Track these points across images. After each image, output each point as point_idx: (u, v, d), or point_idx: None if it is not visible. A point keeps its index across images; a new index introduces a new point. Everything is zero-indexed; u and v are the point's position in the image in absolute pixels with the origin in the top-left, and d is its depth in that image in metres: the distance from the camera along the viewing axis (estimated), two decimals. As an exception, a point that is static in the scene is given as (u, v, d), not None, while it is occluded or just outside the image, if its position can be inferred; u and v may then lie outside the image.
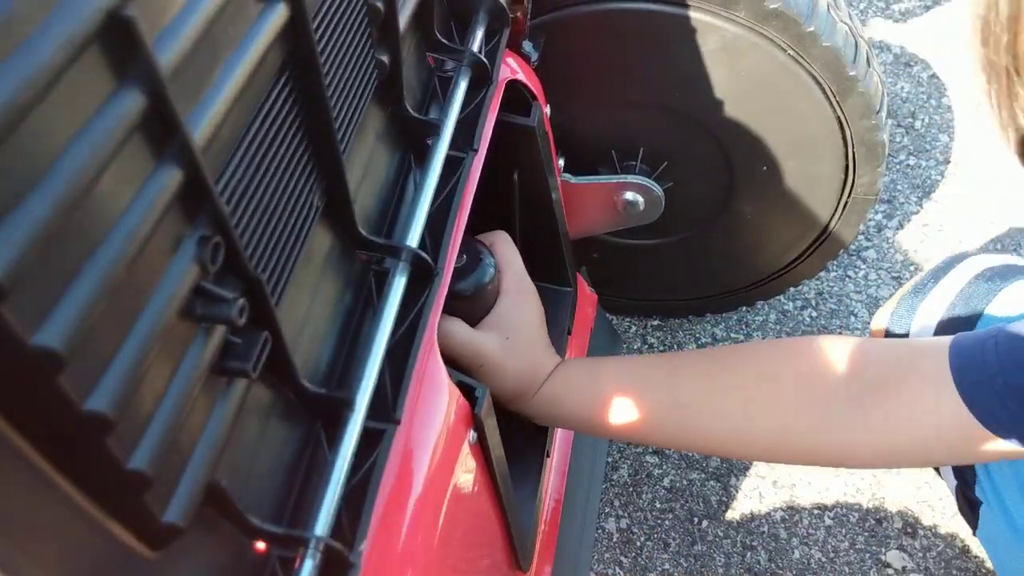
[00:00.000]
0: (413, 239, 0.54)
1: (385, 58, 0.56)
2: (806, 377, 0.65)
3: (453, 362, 0.68)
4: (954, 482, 0.91)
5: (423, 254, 0.53)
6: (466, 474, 0.56)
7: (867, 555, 1.15)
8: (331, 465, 0.43)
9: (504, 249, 0.75)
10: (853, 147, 0.98)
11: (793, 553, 1.15)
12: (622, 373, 0.72)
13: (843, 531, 1.17)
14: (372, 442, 0.45)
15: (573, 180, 1.00)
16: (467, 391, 0.56)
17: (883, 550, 1.15)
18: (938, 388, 0.60)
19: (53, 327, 0.27)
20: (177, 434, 0.33)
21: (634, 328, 1.36)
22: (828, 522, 1.18)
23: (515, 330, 0.72)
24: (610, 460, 1.23)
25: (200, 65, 0.33)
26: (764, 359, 0.67)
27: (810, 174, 1.02)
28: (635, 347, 1.34)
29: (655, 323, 1.36)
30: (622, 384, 0.71)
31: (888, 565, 1.14)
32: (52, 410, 0.28)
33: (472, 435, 0.56)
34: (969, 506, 0.89)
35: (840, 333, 1.35)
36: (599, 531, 1.17)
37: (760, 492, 1.20)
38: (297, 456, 0.44)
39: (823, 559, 1.15)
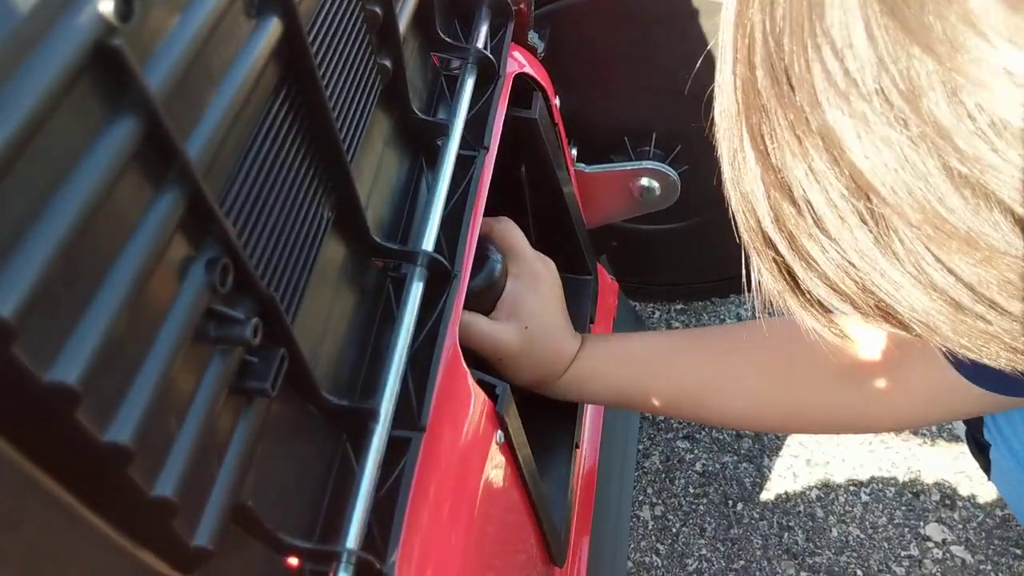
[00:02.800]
0: (428, 243, 0.53)
1: (388, 62, 0.55)
2: (812, 359, 0.69)
3: (472, 354, 0.67)
4: (964, 427, 0.90)
5: (439, 258, 0.52)
6: (496, 475, 0.55)
7: (906, 529, 1.14)
8: (359, 476, 0.43)
9: (507, 233, 0.73)
10: (869, 118, 0.96)
11: (831, 532, 1.14)
12: (647, 354, 0.75)
13: (880, 507, 1.16)
14: (399, 451, 0.45)
15: (587, 170, 0.99)
16: (488, 389, 0.55)
17: (922, 523, 1.14)
18: (926, 357, 0.64)
19: (66, 363, 0.27)
20: (200, 458, 0.33)
21: (658, 313, 1.35)
22: (865, 498, 1.17)
23: (533, 317, 0.70)
24: (641, 447, 1.23)
25: (195, 87, 0.33)
26: (777, 340, 0.71)
27: (827, 148, 1.01)
28: (660, 332, 1.33)
29: (679, 307, 1.35)
30: (648, 367, 0.74)
31: (928, 538, 1.13)
32: (73, 445, 0.28)
33: (499, 435, 0.56)
34: (979, 449, 0.88)
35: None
36: (634, 519, 1.16)
37: (794, 471, 1.20)
38: (324, 469, 0.44)
39: (862, 536, 1.14)
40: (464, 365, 0.52)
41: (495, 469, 0.55)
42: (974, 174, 0.26)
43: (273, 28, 0.39)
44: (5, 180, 0.24)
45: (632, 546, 1.14)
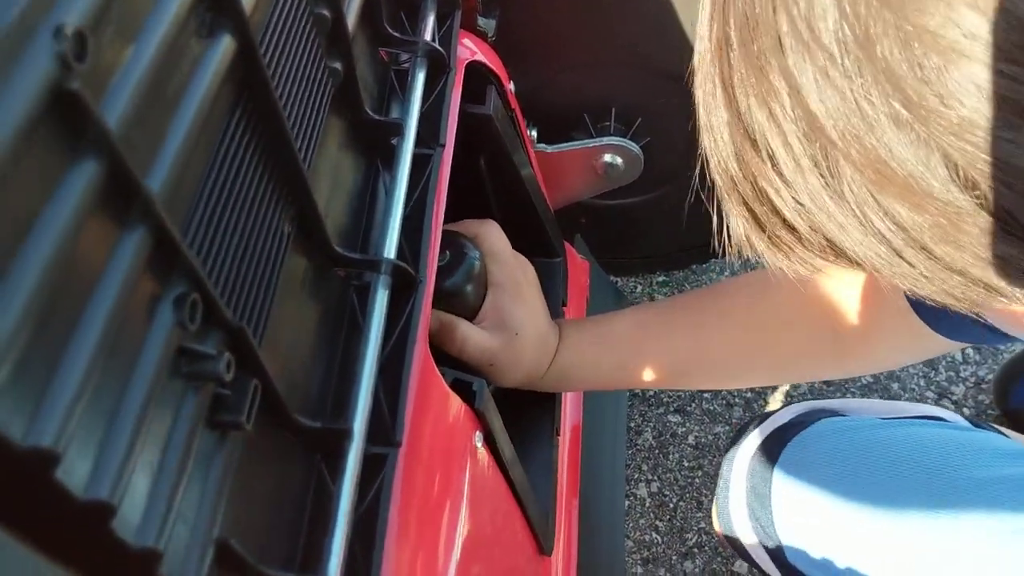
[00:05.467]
0: (390, 249, 0.52)
1: (338, 65, 0.54)
2: (787, 312, 0.72)
3: (457, 361, 0.67)
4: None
5: (403, 264, 0.52)
6: (479, 475, 0.55)
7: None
8: (336, 498, 0.42)
9: (490, 237, 0.73)
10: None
11: (820, 491, 1.15)
12: (623, 337, 0.76)
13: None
14: (375, 468, 0.44)
15: (549, 149, 0.98)
16: (464, 387, 0.55)
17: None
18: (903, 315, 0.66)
19: (42, 424, 0.26)
20: (180, 499, 0.33)
21: (640, 287, 1.35)
22: (849, 453, 1.18)
23: (522, 325, 0.72)
24: (632, 425, 1.23)
25: (152, 117, 0.32)
26: (748, 299, 0.74)
27: (786, 110, 1.00)
28: (635, 304, 1.33)
29: (660, 279, 1.35)
30: (626, 350, 0.76)
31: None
32: (50, 506, 0.27)
33: (478, 435, 0.55)
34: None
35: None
36: (632, 498, 1.17)
37: (780, 434, 1.20)
38: (301, 493, 0.44)
39: (849, 490, 1.15)
40: (436, 370, 0.51)
41: (477, 470, 0.55)
42: (918, 120, 0.28)
43: (226, 46, 0.38)
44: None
45: (631, 524, 1.14)
